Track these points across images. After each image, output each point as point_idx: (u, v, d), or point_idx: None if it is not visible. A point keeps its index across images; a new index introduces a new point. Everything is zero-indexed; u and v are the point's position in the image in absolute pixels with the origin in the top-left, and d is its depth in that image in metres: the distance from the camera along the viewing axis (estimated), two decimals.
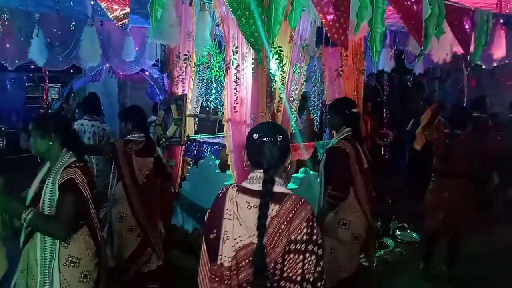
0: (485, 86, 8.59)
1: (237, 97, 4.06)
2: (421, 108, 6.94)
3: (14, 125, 10.20)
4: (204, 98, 5.21)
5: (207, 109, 5.25)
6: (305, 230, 1.51)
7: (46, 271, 2.17)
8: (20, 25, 4.94)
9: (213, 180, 4.57)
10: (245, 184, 1.65)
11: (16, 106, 9.58)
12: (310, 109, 5.08)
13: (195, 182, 4.91)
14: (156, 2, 2.56)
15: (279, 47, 4.02)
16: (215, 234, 1.59)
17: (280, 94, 4.14)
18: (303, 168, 4.69)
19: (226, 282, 1.55)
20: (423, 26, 3.61)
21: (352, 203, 2.96)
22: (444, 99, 8.80)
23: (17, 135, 9.70)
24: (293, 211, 1.52)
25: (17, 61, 5.52)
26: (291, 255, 1.50)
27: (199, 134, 5.42)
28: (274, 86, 4.09)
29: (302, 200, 1.57)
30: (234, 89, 4.07)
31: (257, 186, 1.59)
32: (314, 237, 1.52)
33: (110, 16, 2.42)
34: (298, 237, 1.50)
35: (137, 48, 5.84)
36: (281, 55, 4.08)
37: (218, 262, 1.56)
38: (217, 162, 4.74)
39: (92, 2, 3.97)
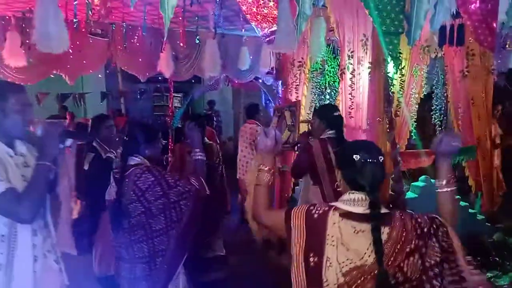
0: None
1: (352, 102, 3.99)
2: None
3: None
4: (318, 104, 5.20)
5: None
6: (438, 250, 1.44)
7: None
8: (151, 41, 5.48)
9: None
10: (344, 206, 1.54)
11: (145, 114, 10.65)
12: (432, 113, 4.78)
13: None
14: (301, 16, 2.84)
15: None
16: (316, 259, 1.50)
17: (398, 98, 3.97)
18: (423, 176, 4.41)
19: None
20: None
21: (317, 193, 3.24)
22: None
23: None
24: (417, 231, 1.45)
25: (147, 73, 6.16)
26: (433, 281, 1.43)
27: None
28: (392, 90, 3.93)
29: (417, 215, 1.50)
30: (349, 94, 4.00)
31: (362, 210, 1.49)
32: (451, 249, 1.45)
33: (259, 34, 2.60)
34: (433, 261, 1.43)
35: (251, 57, 6.07)
36: (400, 58, 3.91)
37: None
38: None
39: (215, 17, 4.25)
